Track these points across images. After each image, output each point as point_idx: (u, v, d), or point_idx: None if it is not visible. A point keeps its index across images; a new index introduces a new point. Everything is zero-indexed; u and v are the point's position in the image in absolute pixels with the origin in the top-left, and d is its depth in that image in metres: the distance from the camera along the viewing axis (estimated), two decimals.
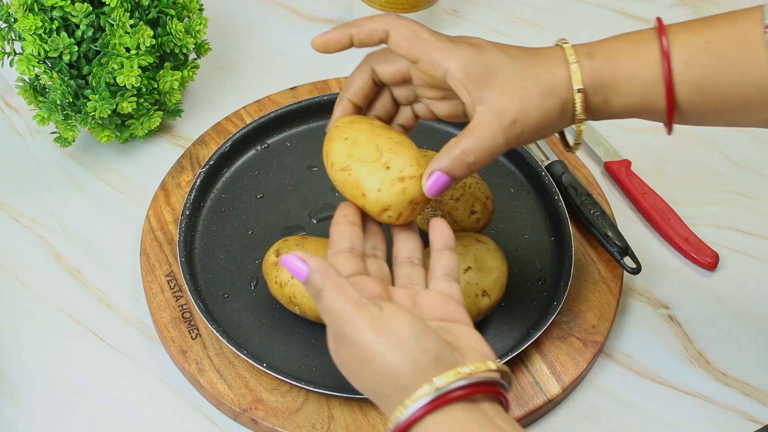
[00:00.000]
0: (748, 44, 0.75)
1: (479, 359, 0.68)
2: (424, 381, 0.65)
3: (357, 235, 0.77)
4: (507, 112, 0.76)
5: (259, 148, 1.07)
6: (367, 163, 0.80)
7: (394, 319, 0.67)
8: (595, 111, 0.79)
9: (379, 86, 0.84)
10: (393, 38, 0.80)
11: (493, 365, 0.67)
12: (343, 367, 0.70)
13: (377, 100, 0.85)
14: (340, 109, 0.84)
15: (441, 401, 0.65)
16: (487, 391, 0.66)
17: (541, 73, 0.78)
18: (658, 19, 0.80)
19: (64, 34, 0.98)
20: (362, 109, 0.85)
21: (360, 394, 0.86)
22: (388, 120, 0.86)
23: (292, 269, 0.70)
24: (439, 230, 0.78)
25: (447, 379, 0.65)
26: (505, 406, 0.68)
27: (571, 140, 0.83)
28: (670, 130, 0.81)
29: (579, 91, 0.77)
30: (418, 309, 0.73)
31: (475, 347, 0.69)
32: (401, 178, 0.79)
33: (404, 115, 0.86)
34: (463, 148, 0.76)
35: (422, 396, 0.65)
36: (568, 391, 0.91)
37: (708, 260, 0.99)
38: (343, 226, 0.78)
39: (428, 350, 0.67)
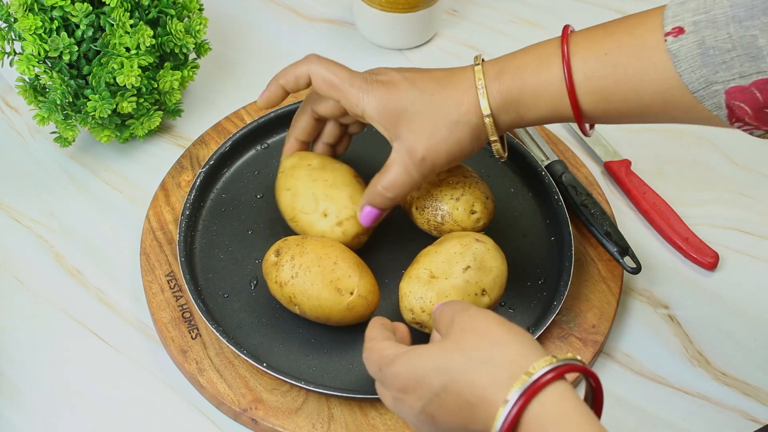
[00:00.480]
0: (644, 52, 0.79)
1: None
2: (540, 357, 0.67)
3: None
4: (417, 150, 0.85)
5: (259, 148, 1.07)
6: (307, 214, 0.93)
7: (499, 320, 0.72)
8: (509, 127, 0.85)
9: (321, 121, 0.95)
10: (314, 83, 0.90)
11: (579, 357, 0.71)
12: (449, 348, 0.70)
13: (325, 129, 0.96)
14: (287, 147, 0.97)
15: (561, 371, 0.66)
16: (586, 372, 0.69)
17: (448, 105, 0.84)
18: (564, 28, 0.85)
19: (64, 34, 0.98)
20: (309, 143, 0.97)
21: (360, 394, 0.87)
22: (338, 141, 0.98)
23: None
24: None
25: (562, 355, 0.68)
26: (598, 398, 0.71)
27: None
28: (585, 133, 0.86)
29: (487, 116, 0.84)
30: None
31: None
32: (339, 222, 0.92)
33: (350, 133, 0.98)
34: (383, 185, 0.88)
35: (545, 363, 0.66)
36: None
37: (708, 260, 0.99)
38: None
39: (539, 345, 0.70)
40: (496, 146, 0.86)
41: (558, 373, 0.66)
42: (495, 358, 0.68)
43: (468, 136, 0.85)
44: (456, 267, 0.87)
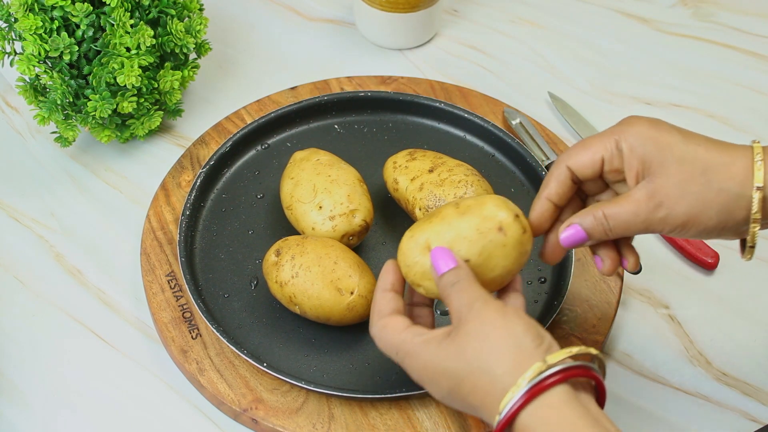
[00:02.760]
0: None
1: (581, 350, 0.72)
2: (537, 359, 0.69)
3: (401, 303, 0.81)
4: (657, 193, 0.76)
5: (259, 148, 1.07)
6: (303, 203, 0.93)
7: (516, 312, 0.73)
8: None
9: (576, 183, 0.81)
10: (578, 173, 0.80)
11: (594, 351, 0.72)
12: (449, 354, 0.72)
13: (570, 202, 0.83)
14: (538, 208, 0.82)
15: (554, 381, 0.68)
16: (588, 376, 0.70)
17: (713, 163, 0.75)
18: None
19: (64, 33, 0.98)
20: (562, 207, 0.82)
21: (360, 394, 0.87)
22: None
23: (437, 260, 0.76)
24: None
25: (558, 357, 0.69)
26: (601, 398, 0.72)
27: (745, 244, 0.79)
28: None
29: (758, 189, 0.74)
30: None
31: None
32: (331, 217, 0.92)
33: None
34: (607, 211, 0.78)
35: (535, 373, 0.68)
36: None
37: (709, 260, 0.99)
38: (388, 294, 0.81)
39: (545, 337, 0.72)
40: (755, 230, 0.75)
41: (544, 387, 0.68)
42: (493, 367, 0.70)
43: (719, 203, 0.75)
44: (456, 253, 0.78)
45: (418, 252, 0.78)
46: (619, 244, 0.83)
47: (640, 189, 0.77)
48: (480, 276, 0.77)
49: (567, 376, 0.69)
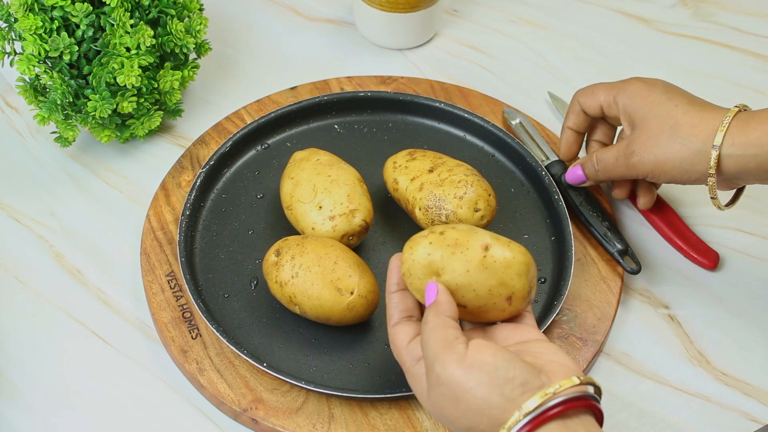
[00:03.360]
0: None
1: (564, 375, 0.70)
2: (514, 409, 0.68)
3: (410, 300, 0.80)
4: (632, 143, 0.91)
5: (259, 148, 1.07)
6: (303, 203, 0.93)
7: (479, 354, 0.71)
8: (733, 172, 0.87)
9: (589, 117, 0.99)
10: (588, 109, 0.98)
11: (577, 380, 0.70)
12: (436, 410, 0.73)
13: (596, 128, 1.00)
14: (564, 138, 1.01)
15: (534, 424, 0.68)
16: (577, 406, 0.69)
17: (684, 120, 0.88)
18: None
19: (64, 33, 0.98)
20: (583, 134, 1.01)
21: (360, 393, 0.87)
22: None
23: (427, 294, 0.76)
24: None
25: (535, 403, 0.68)
26: (598, 417, 0.71)
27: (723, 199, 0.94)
28: None
29: (715, 147, 0.86)
30: (493, 341, 0.76)
31: (558, 361, 0.72)
32: (331, 217, 0.92)
33: None
34: (597, 155, 0.95)
35: (514, 424, 0.68)
36: None
37: (708, 260, 0.99)
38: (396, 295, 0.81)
39: (514, 379, 0.69)
40: (711, 182, 0.88)
41: (535, 426, 0.68)
42: (476, 425, 0.70)
43: (681, 156, 0.88)
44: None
45: (426, 274, 0.77)
46: (637, 183, 0.98)
47: (623, 139, 0.93)
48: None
49: (555, 414, 0.68)
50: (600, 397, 0.72)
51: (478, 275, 0.76)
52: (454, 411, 0.71)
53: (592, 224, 0.99)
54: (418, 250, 0.77)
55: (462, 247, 0.76)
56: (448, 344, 0.72)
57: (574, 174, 0.98)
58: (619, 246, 0.97)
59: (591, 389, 0.71)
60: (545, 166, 1.04)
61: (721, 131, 0.86)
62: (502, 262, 0.76)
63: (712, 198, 0.90)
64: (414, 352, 0.76)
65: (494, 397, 0.69)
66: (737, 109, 0.87)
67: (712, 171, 0.87)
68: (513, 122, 1.08)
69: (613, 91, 0.94)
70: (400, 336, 0.77)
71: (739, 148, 0.86)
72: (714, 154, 0.86)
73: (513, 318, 0.79)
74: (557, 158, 1.05)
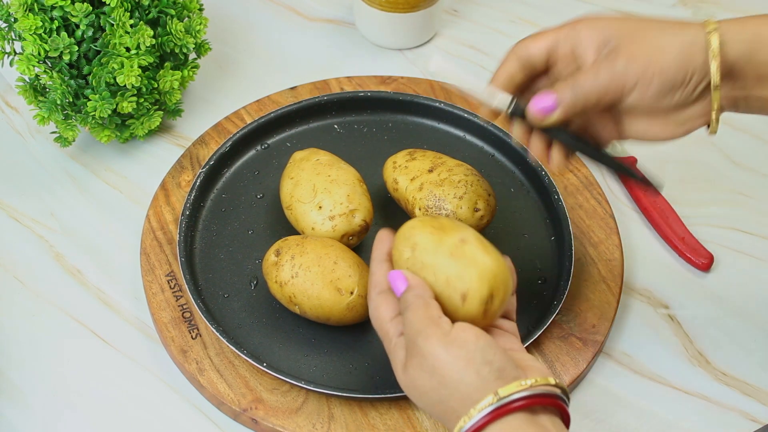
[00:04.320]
0: None
1: (541, 375, 0.71)
2: (488, 392, 0.69)
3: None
4: (615, 51, 0.76)
5: (259, 148, 1.07)
6: (303, 203, 0.93)
7: (463, 333, 0.71)
8: (737, 58, 0.75)
9: (528, 71, 0.81)
10: (529, 54, 0.80)
11: (553, 380, 0.70)
12: (410, 383, 0.73)
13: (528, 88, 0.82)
14: (488, 89, 0.80)
15: (504, 410, 0.68)
16: (547, 403, 0.70)
17: (665, 23, 0.76)
18: None
19: (64, 33, 0.98)
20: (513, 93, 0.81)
21: (360, 393, 0.87)
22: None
23: (394, 283, 0.76)
24: None
25: (510, 390, 0.68)
26: (566, 421, 0.71)
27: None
28: None
29: (713, 31, 0.75)
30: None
31: (537, 367, 0.72)
32: (331, 217, 0.92)
33: None
34: (573, 81, 0.77)
35: (486, 406, 0.68)
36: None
37: (702, 261, 0.99)
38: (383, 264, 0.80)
39: (492, 362, 0.70)
40: (716, 79, 0.75)
41: (494, 416, 0.68)
42: (446, 400, 0.71)
43: (675, 47, 0.75)
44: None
45: (407, 249, 0.77)
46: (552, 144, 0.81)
47: (600, 57, 0.77)
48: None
49: (522, 406, 0.69)
50: (568, 404, 0.72)
51: (442, 260, 0.75)
52: (427, 383, 0.71)
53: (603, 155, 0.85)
54: (409, 222, 0.79)
55: (442, 232, 0.77)
56: (433, 321, 0.72)
57: (542, 103, 0.77)
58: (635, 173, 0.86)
59: (562, 395, 0.72)
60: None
61: (713, 21, 0.76)
62: (470, 258, 0.75)
63: (715, 120, 0.78)
64: (398, 327, 0.75)
65: (470, 375, 0.70)
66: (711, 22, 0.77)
67: (716, 52, 0.74)
68: None
69: (563, 29, 0.80)
70: (386, 308, 0.76)
71: (735, 33, 0.75)
72: (715, 38, 0.74)
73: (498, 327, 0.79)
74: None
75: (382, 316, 0.77)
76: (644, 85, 0.75)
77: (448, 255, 0.75)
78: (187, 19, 1.06)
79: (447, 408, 0.71)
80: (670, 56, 0.75)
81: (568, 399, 0.72)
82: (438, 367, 0.71)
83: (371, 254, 0.80)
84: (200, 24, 1.05)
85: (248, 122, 1.07)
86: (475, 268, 0.75)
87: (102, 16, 0.99)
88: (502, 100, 0.80)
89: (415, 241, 0.77)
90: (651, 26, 0.76)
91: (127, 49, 1.00)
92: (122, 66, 0.99)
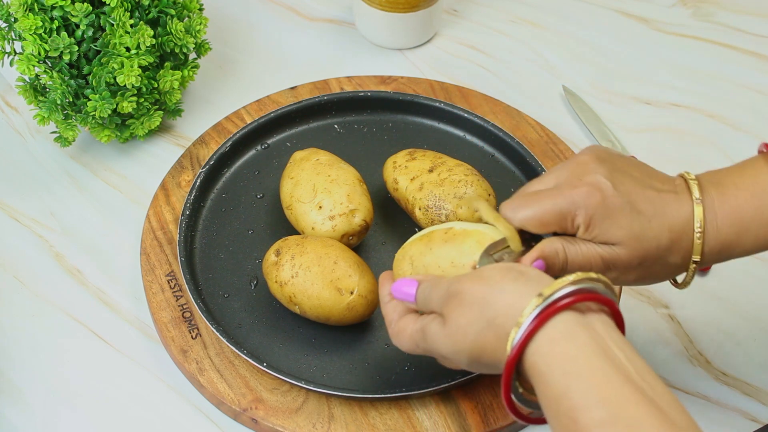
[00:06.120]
0: None
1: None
2: (531, 295, 0.68)
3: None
4: (615, 260, 0.76)
5: (259, 148, 1.07)
6: (303, 203, 0.94)
7: (488, 267, 0.73)
8: (715, 256, 0.78)
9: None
10: (531, 228, 0.78)
11: (594, 275, 0.69)
12: (454, 332, 0.72)
13: None
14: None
15: (550, 311, 0.67)
16: (593, 299, 0.68)
17: (663, 240, 0.76)
18: (766, 146, 0.80)
19: (64, 33, 0.98)
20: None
21: (360, 393, 0.87)
22: None
23: (401, 294, 0.78)
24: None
25: (553, 288, 0.68)
26: (618, 321, 0.70)
27: (680, 277, 0.82)
28: None
29: (694, 263, 0.77)
30: None
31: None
32: (331, 216, 0.92)
33: None
34: (567, 251, 0.77)
35: (532, 309, 0.67)
36: None
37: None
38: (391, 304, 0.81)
39: (526, 273, 0.71)
40: (693, 268, 0.78)
41: (544, 319, 0.67)
42: (492, 319, 0.70)
43: (665, 274, 0.79)
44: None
45: (406, 265, 0.81)
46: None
47: (598, 249, 0.77)
48: None
49: (567, 304, 0.67)
50: (617, 301, 0.71)
51: (439, 250, 0.79)
52: (470, 314, 0.71)
53: None
54: (399, 251, 0.83)
55: (430, 235, 0.81)
56: (457, 279, 0.73)
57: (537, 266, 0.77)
58: None
59: (608, 289, 0.70)
60: (545, 166, 1.03)
61: (698, 245, 0.77)
62: (462, 235, 0.78)
63: (684, 282, 0.81)
64: (428, 316, 0.76)
65: (509, 284, 0.70)
66: (699, 200, 0.77)
67: (689, 279, 0.79)
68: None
69: (564, 208, 0.76)
70: (407, 321, 0.78)
71: (714, 256, 0.77)
72: (692, 267, 0.78)
73: None
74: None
75: (405, 328, 0.78)
76: (635, 282, 0.79)
77: (443, 243, 0.79)
78: (187, 19, 1.06)
79: (497, 329, 0.69)
80: (656, 282, 0.79)
81: (614, 293, 0.71)
82: (476, 293, 0.71)
83: (379, 299, 0.81)
84: (200, 24, 1.05)
85: (248, 122, 1.07)
86: (470, 238, 0.77)
87: (102, 16, 0.99)
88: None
89: (410, 254, 0.81)
90: (649, 232, 0.76)
91: (127, 49, 1.00)
92: (122, 66, 0.99)
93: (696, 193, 0.77)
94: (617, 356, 0.66)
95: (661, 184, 0.78)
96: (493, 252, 0.77)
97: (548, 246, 0.77)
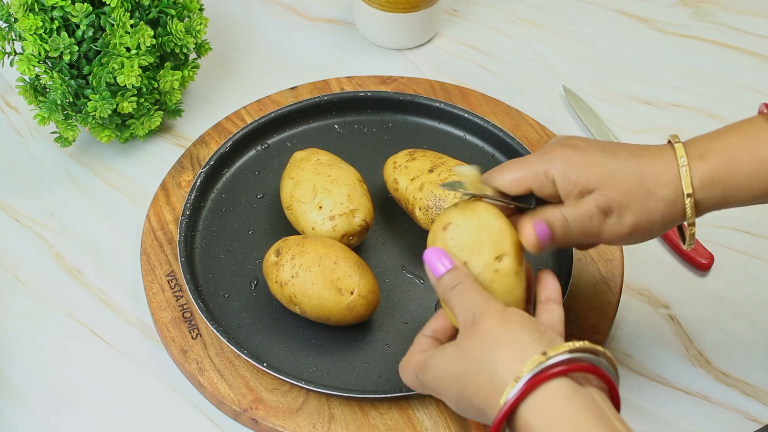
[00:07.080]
0: None
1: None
2: (536, 352, 0.69)
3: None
4: (609, 200, 0.78)
5: (259, 148, 1.07)
6: (303, 203, 0.94)
7: (514, 312, 0.73)
8: (708, 209, 0.80)
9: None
10: (506, 190, 0.80)
11: (601, 348, 0.70)
12: (462, 353, 0.73)
13: None
14: None
15: (552, 373, 0.68)
16: (594, 371, 0.69)
17: (644, 173, 0.78)
18: (766, 105, 0.81)
19: (64, 33, 0.98)
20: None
21: (360, 393, 0.87)
22: None
23: (433, 262, 0.77)
24: (546, 282, 0.80)
25: (558, 350, 0.68)
26: (615, 399, 0.71)
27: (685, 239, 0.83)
28: None
29: (689, 195, 0.78)
30: None
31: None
32: (331, 217, 0.92)
33: None
34: (568, 213, 0.78)
35: (534, 365, 0.68)
36: None
37: (703, 261, 0.99)
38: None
39: (546, 332, 0.71)
40: (692, 230, 0.79)
41: (543, 378, 0.68)
42: (494, 365, 0.70)
43: (660, 211, 0.78)
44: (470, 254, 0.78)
45: (441, 229, 0.78)
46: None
47: (590, 199, 0.78)
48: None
49: (568, 369, 0.68)
50: (617, 380, 0.72)
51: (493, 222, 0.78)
52: (480, 347, 0.71)
53: None
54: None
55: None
56: (488, 298, 0.74)
57: (543, 233, 0.78)
58: None
59: (608, 365, 0.71)
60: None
61: (686, 176, 0.78)
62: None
63: (689, 244, 0.82)
64: (433, 348, 0.77)
65: (523, 335, 0.70)
66: (678, 141, 0.79)
67: (692, 219, 0.79)
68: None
69: (539, 166, 0.79)
70: (414, 355, 0.78)
71: (707, 190, 0.78)
72: (689, 202, 0.78)
73: None
74: None
75: (410, 360, 0.78)
76: (629, 240, 0.80)
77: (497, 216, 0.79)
78: (187, 19, 1.06)
79: (496, 373, 0.70)
80: (657, 219, 0.79)
81: (616, 371, 0.72)
82: (492, 333, 0.71)
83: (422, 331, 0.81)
84: (200, 24, 1.05)
85: (248, 122, 1.07)
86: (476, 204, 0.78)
87: (102, 16, 0.99)
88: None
89: (448, 220, 0.78)
90: (633, 180, 0.78)
91: (128, 49, 1.00)
92: (122, 66, 0.99)
93: (678, 141, 0.79)
94: (616, 426, 0.67)
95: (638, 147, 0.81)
96: (459, 188, 0.78)
97: (548, 210, 0.78)
